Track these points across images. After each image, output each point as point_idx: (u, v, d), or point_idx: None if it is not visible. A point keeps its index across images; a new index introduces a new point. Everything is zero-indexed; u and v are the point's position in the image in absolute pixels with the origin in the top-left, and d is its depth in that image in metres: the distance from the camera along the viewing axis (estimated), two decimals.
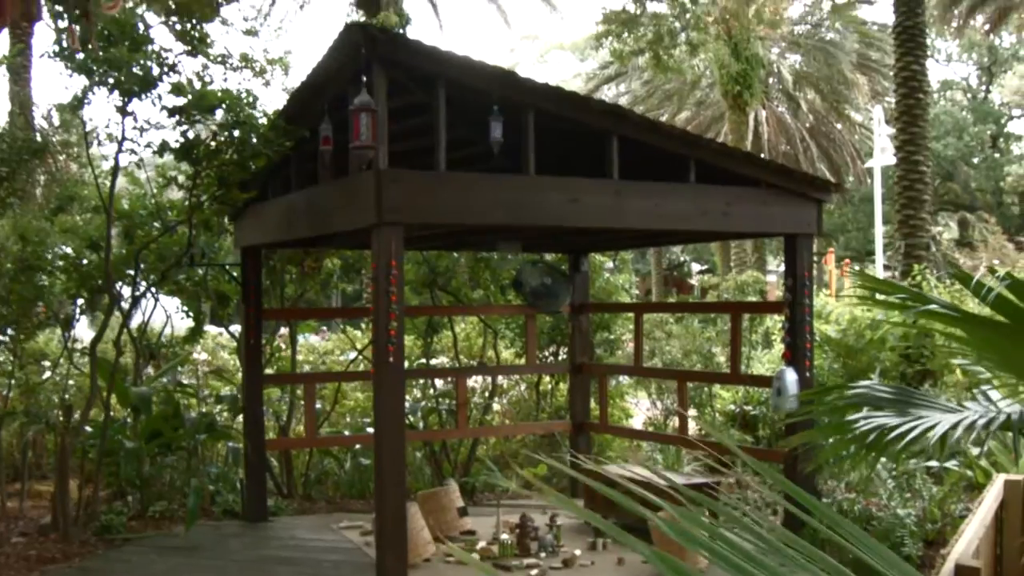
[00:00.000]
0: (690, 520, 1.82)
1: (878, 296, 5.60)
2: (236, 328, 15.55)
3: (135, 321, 15.39)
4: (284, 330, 17.20)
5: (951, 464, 12.78)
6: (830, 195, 12.73)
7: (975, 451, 12.75)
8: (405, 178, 10.22)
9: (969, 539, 8.44)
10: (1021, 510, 10.16)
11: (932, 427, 5.69)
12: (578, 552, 12.09)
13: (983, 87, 68.80)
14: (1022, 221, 57.15)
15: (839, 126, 43.01)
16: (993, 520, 9.28)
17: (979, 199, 59.85)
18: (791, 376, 11.78)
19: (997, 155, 62.33)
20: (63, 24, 11.96)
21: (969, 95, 68.95)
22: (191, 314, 16.11)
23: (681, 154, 11.60)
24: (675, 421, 18.09)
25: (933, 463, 12.58)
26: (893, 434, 5.77)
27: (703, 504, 2.00)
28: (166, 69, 12.21)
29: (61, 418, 14.32)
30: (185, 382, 17.02)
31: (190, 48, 12.39)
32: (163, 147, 12.42)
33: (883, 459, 12.00)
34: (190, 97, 12.15)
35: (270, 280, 15.49)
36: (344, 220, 11.05)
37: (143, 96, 12.13)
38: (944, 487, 12.37)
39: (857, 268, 27.48)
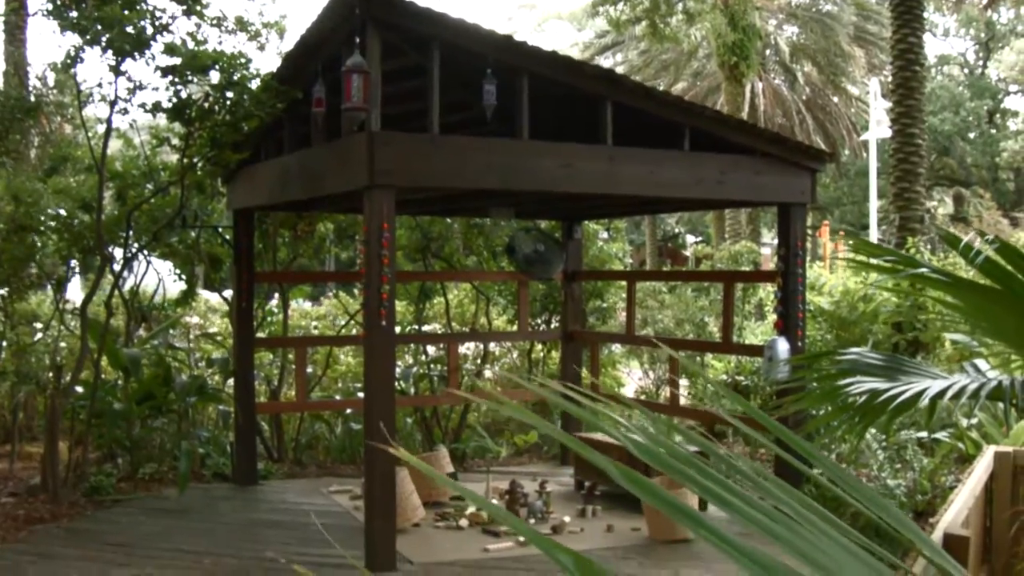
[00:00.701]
0: (662, 444, 1.79)
1: (870, 260, 5.56)
2: (229, 292, 15.51)
3: (128, 284, 15.37)
4: (276, 298, 17.14)
5: (942, 435, 12.78)
6: (824, 164, 12.71)
7: (965, 423, 12.76)
8: (397, 141, 10.19)
9: (958, 509, 8.44)
10: (1010, 481, 10.16)
11: (922, 392, 5.67)
12: (567, 519, 12.10)
13: (980, 62, 68.70)
14: (1017, 197, 57.18)
15: (835, 99, 42.95)
16: (983, 491, 9.29)
17: (975, 175, 59.82)
18: (783, 345, 11.77)
19: (993, 131, 62.23)
20: None
21: (966, 70, 68.85)
22: (183, 277, 16.08)
23: (676, 121, 11.56)
24: (667, 391, 18.10)
25: (924, 434, 12.58)
26: (882, 397, 5.76)
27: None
28: (160, 28, 12.14)
29: (52, 379, 14.31)
30: (177, 345, 16.99)
31: (185, 8, 12.31)
32: (156, 107, 12.36)
33: (873, 430, 12.01)
34: (183, 57, 12.08)
35: (263, 244, 15.47)
36: (336, 182, 11.02)
37: (136, 56, 12.06)
38: (935, 459, 12.37)
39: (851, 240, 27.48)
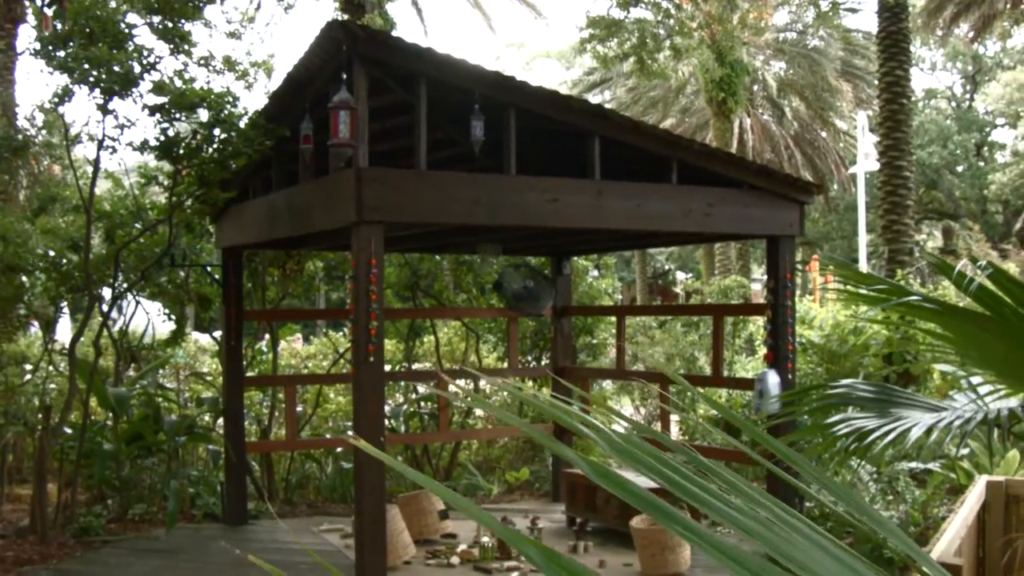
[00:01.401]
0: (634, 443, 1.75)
1: (860, 290, 5.54)
2: (219, 333, 15.48)
3: (117, 325, 15.35)
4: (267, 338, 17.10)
5: (934, 466, 12.77)
6: (812, 197, 12.70)
7: (956, 453, 12.75)
8: (385, 176, 10.17)
9: (951, 538, 8.41)
10: (1003, 511, 10.14)
11: (908, 430, 5.67)
12: None
13: (967, 96, 68.91)
14: (1006, 229, 57.22)
15: (823, 134, 43.05)
16: (975, 521, 9.26)
17: (963, 207, 59.92)
18: (773, 378, 11.75)
19: (981, 163, 62.38)
20: (41, 7, 11.93)
21: (953, 104, 69.07)
22: (173, 317, 16.05)
23: (663, 155, 11.56)
24: (657, 427, 18.08)
25: (916, 464, 12.57)
26: (870, 438, 5.75)
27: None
28: (147, 67, 12.14)
29: (40, 420, 14.26)
30: (166, 385, 16.95)
31: (172, 47, 12.33)
32: (143, 145, 12.37)
33: (864, 462, 12.00)
34: (171, 95, 12.09)
35: (252, 283, 15.46)
36: (325, 219, 10.99)
37: (124, 94, 12.07)
38: (927, 490, 12.35)
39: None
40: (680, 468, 1.78)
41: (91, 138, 12.85)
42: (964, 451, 12.68)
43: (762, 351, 17.86)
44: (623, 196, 11.23)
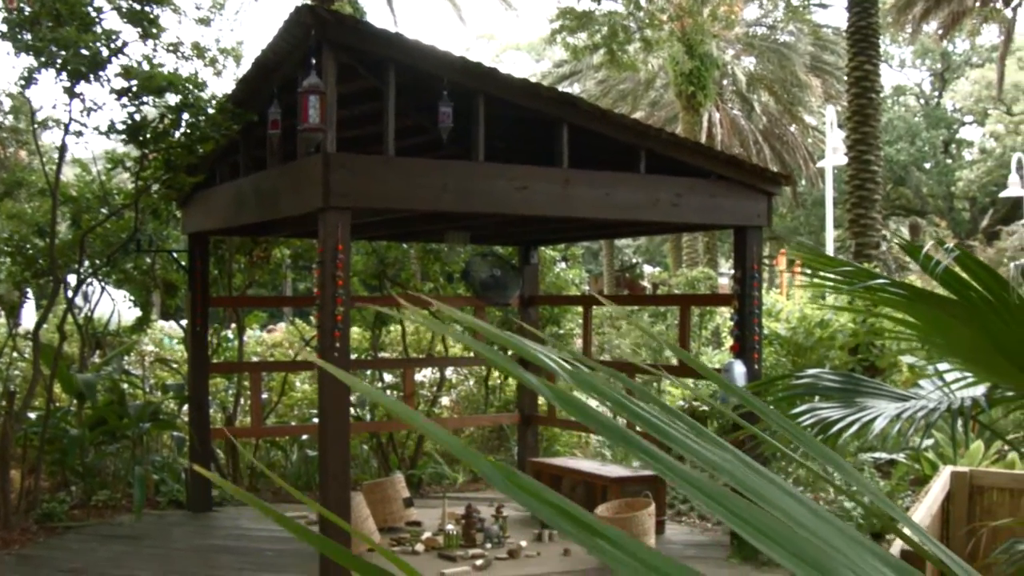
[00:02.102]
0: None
1: (827, 274, 5.52)
2: (185, 321, 15.42)
3: (82, 311, 15.27)
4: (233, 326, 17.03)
5: (899, 456, 12.81)
6: (780, 188, 12.74)
7: (921, 444, 12.79)
8: (353, 162, 10.15)
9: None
10: (967, 501, 10.17)
11: (873, 420, 5.66)
12: (524, 543, 12.04)
13: (936, 93, 69.10)
14: (972, 226, 57.44)
15: (792, 128, 43.08)
16: (940, 511, 9.29)
17: (930, 204, 60.11)
18: (739, 368, 11.77)
19: (949, 161, 62.59)
20: None
21: (922, 100, 69.25)
22: (138, 303, 15.99)
23: (631, 144, 11.58)
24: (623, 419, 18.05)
25: (881, 455, 12.61)
26: (835, 428, 5.75)
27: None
28: (115, 51, 12.08)
29: (4, 405, 14.17)
30: (131, 372, 16.87)
31: (140, 31, 12.27)
32: (111, 128, 12.30)
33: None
34: (139, 78, 12.02)
35: (218, 270, 15.40)
36: (292, 205, 10.96)
37: (91, 77, 12.00)
38: (891, 480, 12.39)
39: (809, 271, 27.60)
40: (645, 407, 1.76)
41: (57, 123, 12.79)
42: (928, 442, 12.72)
43: (728, 343, 17.92)
44: (591, 185, 11.23)
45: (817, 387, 6.39)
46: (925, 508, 8.89)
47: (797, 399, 6.51)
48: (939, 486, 9.77)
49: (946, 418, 5.89)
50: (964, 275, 4.50)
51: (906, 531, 2.09)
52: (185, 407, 15.28)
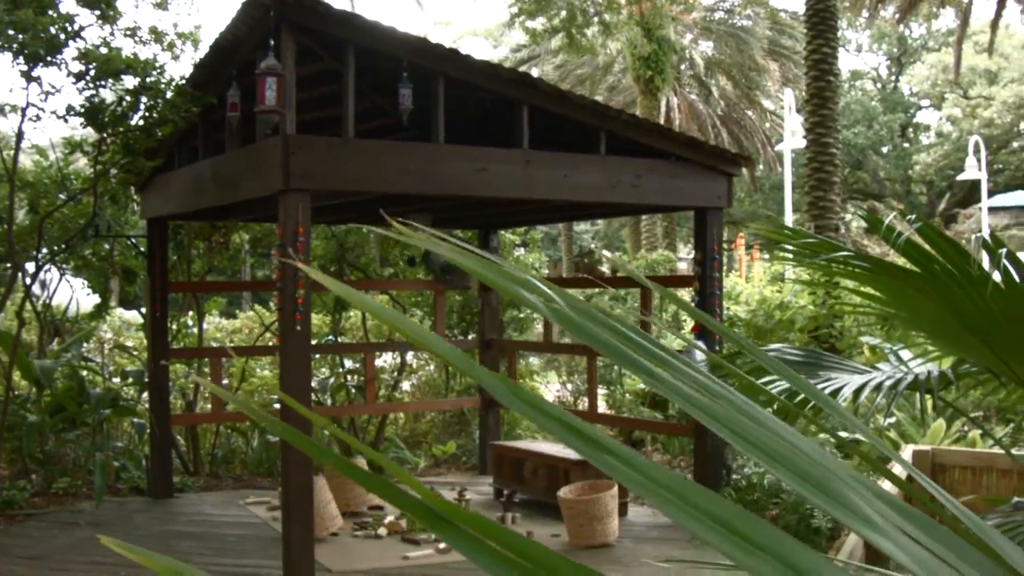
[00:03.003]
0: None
1: (789, 246, 5.50)
2: (144, 308, 15.34)
3: (41, 298, 15.18)
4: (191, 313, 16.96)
5: (860, 436, 12.83)
6: (739, 169, 12.74)
7: (883, 422, 12.81)
8: (312, 144, 10.10)
9: None
10: (930, 479, 10.16)
11: (839, 390, 5.66)
12: None
13: (893, 77, 69.39)
14: (930, 210, 57.69)
15: (750, 113, 43.18)
16: (901, 495, 9.30)
17: (888, 188, 60.42)
18: (699, 352, 11.76)
19: (906, 144, 62.89)
20: None
21: (879, 85, 69.52)
22: (96, 290, 15.90)
23: (591, 125, 11.57)
24: (585, 401, 18.12)
25: (844, 434, 12.63)
26: (800, 397, 5.74)
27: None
28: (72, 35, 12.00)
29: None
30: (91, 358, 16.78)
31: (98, 13, 12.18)
32: (68, 110, 12.23)
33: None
34: (97, 61, 11.95)
35: (177, 255, 15.32)
36: (251, 187, 10.90)
37: (49, 61, 11.92)
38: (852, 460, 12.41)
39: (766, 255, 27.64)
40: (630, 346, 1.72)
41: (13, 108, 12.70)
42: (890, 420, 12.76)
43: (688, 326, 17.93)
44: (551, 166, 11.22)
45: (781, 360, 6.39)
46: (888, 487, 8.91)
47: (761, 373, 6.51)
48: (900, 466, 9.78)
49: (907, 395, 5.91)
50: (927, 247, 4.50)
51: (897, 468, 2.08)
52: (144, 394, 15.21)
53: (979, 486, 9.85)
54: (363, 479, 1.41)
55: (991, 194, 42.25)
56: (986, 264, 4.37)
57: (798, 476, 1.52)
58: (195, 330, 16.48)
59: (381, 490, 1.39)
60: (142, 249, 15.08)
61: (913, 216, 4.55)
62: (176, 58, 13.16)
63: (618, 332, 1.75)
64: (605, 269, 17.28)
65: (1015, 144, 57.48)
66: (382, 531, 11.93)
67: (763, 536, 1.38)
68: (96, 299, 16.21)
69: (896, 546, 1.48)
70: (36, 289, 14.79)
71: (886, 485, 7.74)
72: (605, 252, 62.75)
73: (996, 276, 4.24)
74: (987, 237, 4.49)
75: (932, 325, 5.39)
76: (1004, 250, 4.28)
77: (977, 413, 12.83)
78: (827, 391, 5.71)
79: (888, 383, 5.71)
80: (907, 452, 10.20)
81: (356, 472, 1.41)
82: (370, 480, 1.41)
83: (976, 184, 40.15)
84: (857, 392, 5.59)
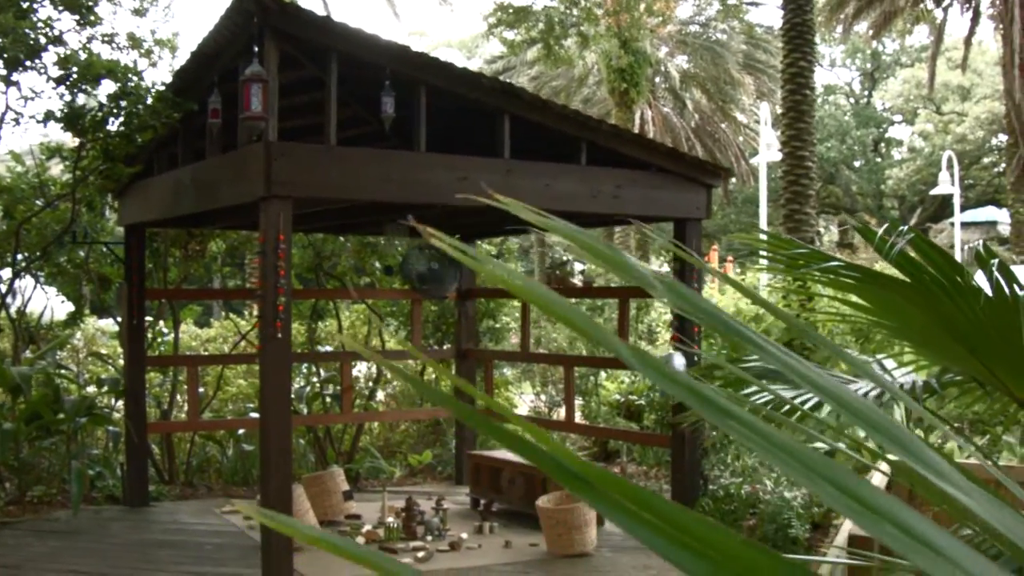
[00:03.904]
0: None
1: (777, 255, 5.51)
2: (109, 320, 15.28)
3: (14, 305, 15.11)
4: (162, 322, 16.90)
5: (840, 446, 12.85)
6: (719, 180, 12.79)
7: (861, 433, 12.83)
8: (295, 151, 10.10)
9: None
10: (908, 488, 10.22)
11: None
12: (465, 535, 12.04)
13: (866, 92, 69.68)
14: (902, 223, 57.82)
15: (724, 126, 43.26)
16: None
17: (860, 202, 60.67)
18: (679, 360, 11.78)
19: (878, 159, 63.20)
20: None
21: (852, 100, 69.80)
22: (70, 299, 15.84)
23: (572, 135, 11.59)
24: (559, 412, 18.14)
25: (820, 444, 12.64)
26: (786, 407, 5.74)
27: None
28: (52, 40, 11.97)
29: None
30: (66, 366, 16.70)
31: (78, 18, 12.16)
32: (48, 116, 12.20)
33: None
34: (77, 67, 11.92)
35: (153, 263, 15.27)
36: (232, 194, 10.89)
37: (29, 64, 11.89)
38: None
39: (738, 269, 27.68)
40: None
41: None
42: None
43: (662, 339, 17.95)
44: (532, 176, 11.24)
45: (764, 370, 6.39)
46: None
47: (744, 383, 6.50)
48: (879, 475, 9.82)
49: (896, 401, 5.92)
50: (918, 258, 4.51)
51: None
52: (119, 402, 15.16)
53: None
54: (511, 439, 1.40)
55: (963, 209, 42.42)
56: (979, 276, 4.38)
57: (876, 431, 1.55)
58: (170, 338, 16.44)
59: (519, 447, 1.38)
60: (118, 255, 15.02)
61: (906, 227, 4.57)
62: (153, 65, 13.14)
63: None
64: (577, 281, 17.28)
65: (986, 160, 57.80)
66: (360, 540, 11.87)
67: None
68: (69, 307, 16.14)
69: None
70: (7, 296, 14.72)
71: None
72: (577, 264, 62.86)
73: (986, 287, 4.27)
74: (980, 249, 4.51)
75: (919, 334, 5.41)
76: (996, 261, 4.30)
77: (955, 425, 12.87)
78: (814, 402, 5.72)
79: (875, 393, 5.73)
80: (883, 465, 10.22)
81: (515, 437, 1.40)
82: (515, 438, 1.39)
83: (947, 199, 40.30)
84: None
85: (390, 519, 12.34)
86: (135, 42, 12.87)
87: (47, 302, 16.28)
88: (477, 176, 10.86)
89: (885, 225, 4.70)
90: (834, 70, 71.69)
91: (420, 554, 11.24)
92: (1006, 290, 4.25)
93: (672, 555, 1.31)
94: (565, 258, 63.56)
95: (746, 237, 6.13)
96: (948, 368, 5.83)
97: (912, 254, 4.56)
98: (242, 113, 9.83)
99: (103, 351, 18.64)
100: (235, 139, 10.60)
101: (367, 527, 12.26)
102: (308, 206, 12.00)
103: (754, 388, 6.08)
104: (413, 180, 10.63)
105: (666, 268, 28.65)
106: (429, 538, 11.98)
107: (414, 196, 10.82)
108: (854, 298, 5.45)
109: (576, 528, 11.36)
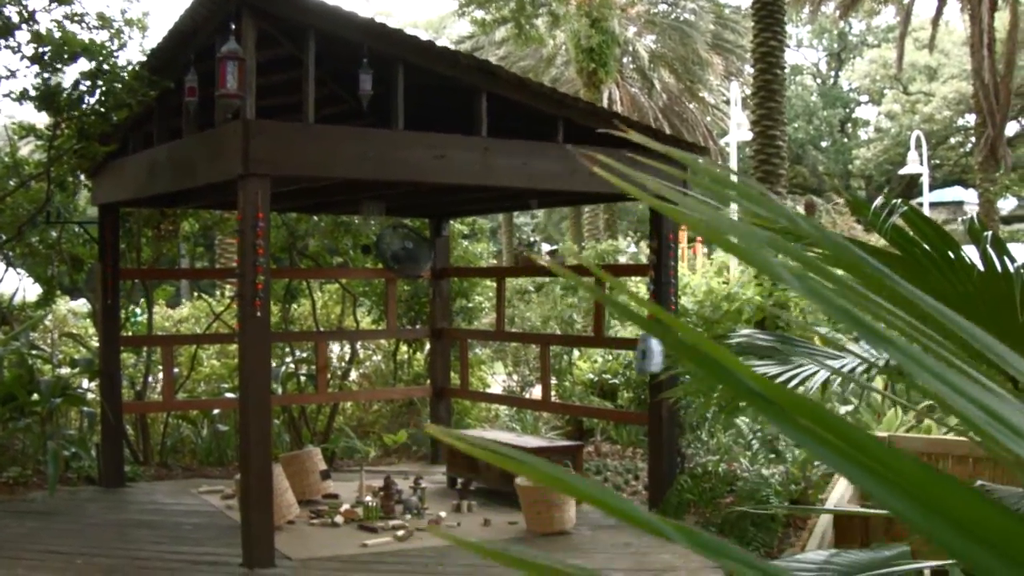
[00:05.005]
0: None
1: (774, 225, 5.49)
2: (82, 301, 15.19)
3: None
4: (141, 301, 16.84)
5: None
6: (696, 158, 12.76)
7: (842, 410, 12.89)
8: (272, 129, 10.09)
9: (842, 490, 8.51)
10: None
11: (813, 374, 5.67)
12: (443, 514, 12.05)
13: (832, 72, 69.87)
14: (869, 203, 58.10)
15: (692, 106, 43.27)
16: None
17: (827, 183, 60.83)
18: (656, 339, 11.78)
19: (845, 139, 63.42)
20: None
21: (819, 80, 70.00)
22: (40, 280, 15.76)
23: (549, 113, 11.58)
24: (532, 392, 18.15)
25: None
26: (776, 381, 5.73)
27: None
28: (25, 18, 11.90)
29: None
30: (39, 346, 16.62)
31: None
32: (23, 94, 12.13)
33: (746, 420, 12.10)
34: (52, 45, 11.85)
35: (126, 243, 15.19)
36: (209, 172, 10.86)
37: (2, 42, 11.81)
38: (806, 449, 12.47)
39: (705, 249, 27.75)
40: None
41: None
42: (847, 408, 12.83)
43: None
44: (510, 154, 11.24)
45: (752, 346, 6.39)
46: None
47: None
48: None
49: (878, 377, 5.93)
50: (910, 231, 4.51)
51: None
52: (92, 383, 15.12)
53: None
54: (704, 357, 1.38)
55: (930, 189, 42.58)
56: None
57: None
58: (142, 319, 16.38)
59: (706, 365, 1.36)
60: (91, 235, 14.95)
61: (899, 200, 4.57)
62: (123, 45, 13.05)
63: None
64: (544, 261, 17.33)
65: (953, 140, 58.05)
66: (339, 519, 11.87)
67: None
68: (37, 288, 16.05)
69: None
70: None
71: None
72: (544, 245, 62.85)
73: (977, 260, 4.27)
74: (975, 222, 4.51)
75: (909, 309, 5.41)
76: (989, 234, 4.30)
77: (930, 401, 12.91)
78: (803, 376, 5.72)
79: (860, 369, 5.74)
80: None
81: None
82: (716, 365, 1.38)
83: (914, 179, 40.49)
84: (835, 374, 5.61)
85: (368, 498, 12.34)
86: (104, 21, 12.79)
87: (19, 283, 16.19)
88: (455, 154, 10.89)
89: (879, 198, 4.70)
90: (801, 50, 71.90)
91: (400, 532, 11.23)
92: (998, 265, 4.25)
93: (866, 483, 1.29)
94: (532, 239, 63.66)
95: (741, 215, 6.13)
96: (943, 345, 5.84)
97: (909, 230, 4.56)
98: (218, 91, 9.79)
99: (75, 332, 18.55)
100: (212, 118, 10.57)
101: (345, 506, 12.24)
102: (283, 184, 11.95)
103: (754, 363, 6.08)
104: (391, 158, 10.62)
105: (633, 248, 28.72)
106: (408, 517, 11.97)
107: (392, 174, 10.83)
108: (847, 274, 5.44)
109: (556, 506, 11.37)
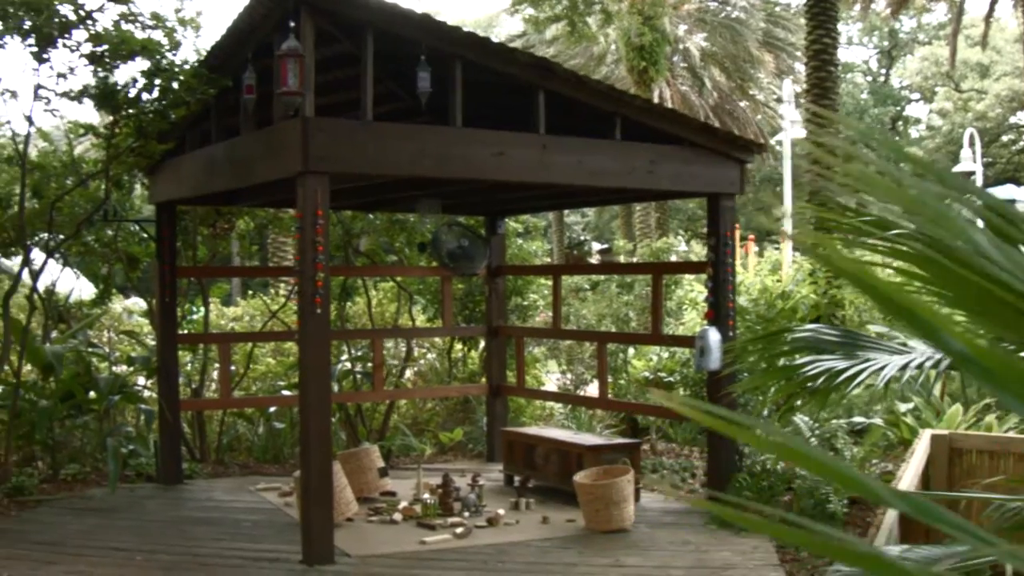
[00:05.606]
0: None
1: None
2: (134, 299, 15.25)
3: (43, 284, 15.11)
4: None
5: (876, 420, 12.85)
6: (752, 155, 12.74)
7: (902, 408, 12.84)
8: (331, 127, 10.10)
9: (906, 487, 8.45)
10: (947, 464, 10.22)
11: (880, 369, 5.62)
12: (502, 511, 12.02)
13: (883, 70, 69.57)
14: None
15: (743, 104, 43.14)
16: (920, 478, 9.34)
17: None
18: (714, 336, 11.74)
19: (897, 137, 63.09)
20: None
21: (869, 78, 69.70)
22: (94, 278, 15.84)
23: (606, 110, 11.55)
24: (586, 390, 18.13)
25: (860, 419, 12.63)
26: (842, 377, 5.70)
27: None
28: (83, 18, 11.95)
29: None
30: (96, 344, 16.70)
31: None
32: (82, 92, 12.19)
33: (805, 418, 12.04)
34: (110, 43, 11.91)
35: (181, 241, 15.25)
36: (267, 170, 10.88)
37: (61, 41, 11.87)
38: (864, 446, 12.42)
39: (756, 248, 27.62)
40: None
41: (13, 94, 12.65)
42: (908, 406, 12.78)
43: (690, 316, 17.92)
44: (568, 151, 11.21)
45: (818, 340, 6.35)
46: (912, 470, 8.92)
47: (796, 354, 6.47)
48: (921, 449, 9.82)
49: (924, 382, 5.90)
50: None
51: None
52: (149, 380, 15.20)
53: (996, 470, 9.86)
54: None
55: (983, 187, 42.33)
56: None
57: None
58: (198, 316, 16.45)
59: (907, 315, 1.35)
60: (147, 234, 15.02)
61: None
62: (177, 44, 13.11)
63: None
64: (596, 260, 17.31)
65: (1005, 138, 57.71)
66: (397, 516, 11.88)
67: None
68: (92, 287, 16.13)
69: None
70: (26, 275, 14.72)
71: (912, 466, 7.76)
72: (595, 244, 62.74)
73: None
74: None
75: (975, 302, 5.37)
76: None
77: (991, 400, 12.83)
78: (871, 370, 5.68)
79: (929, 363, 5.69)
80: (925, 437, 10.21)
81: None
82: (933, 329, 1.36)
83: (969, 176, 40.20)
84: (902, 370, 5.57)
85: (426, 496, 12.34)
86: (159, 20, 12.84)
87: (76, 281, 16.28)
88: (513, 151, 10.88)
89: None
90: (851, 48, 71.61)
91: (459, 530, 11.23)
92: None
93: None
94: (583, 237, 63.62)
95: (811, 208, 6.11)
96: (1002, 337, 5.80)
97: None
98: (278, 88, 9.82)
99: (132, 330, 18.64)
100: (270, 115, 10.59)
101: (403, 503, 12.26)
102: (340, 182, 11.97)
103: (809, 358, 6.04)
104: (449, 155, 10.63)
105: (684, 247, 28.66)
106: (466, 514, 11.96)
107: (450, 171, 10.83)
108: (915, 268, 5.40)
109: (615, 504, 11.35)
